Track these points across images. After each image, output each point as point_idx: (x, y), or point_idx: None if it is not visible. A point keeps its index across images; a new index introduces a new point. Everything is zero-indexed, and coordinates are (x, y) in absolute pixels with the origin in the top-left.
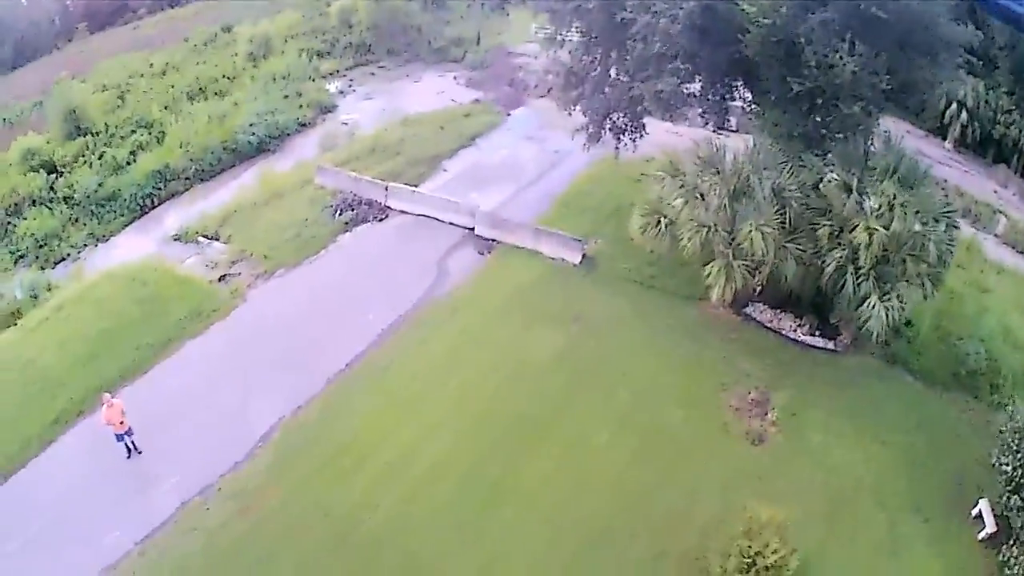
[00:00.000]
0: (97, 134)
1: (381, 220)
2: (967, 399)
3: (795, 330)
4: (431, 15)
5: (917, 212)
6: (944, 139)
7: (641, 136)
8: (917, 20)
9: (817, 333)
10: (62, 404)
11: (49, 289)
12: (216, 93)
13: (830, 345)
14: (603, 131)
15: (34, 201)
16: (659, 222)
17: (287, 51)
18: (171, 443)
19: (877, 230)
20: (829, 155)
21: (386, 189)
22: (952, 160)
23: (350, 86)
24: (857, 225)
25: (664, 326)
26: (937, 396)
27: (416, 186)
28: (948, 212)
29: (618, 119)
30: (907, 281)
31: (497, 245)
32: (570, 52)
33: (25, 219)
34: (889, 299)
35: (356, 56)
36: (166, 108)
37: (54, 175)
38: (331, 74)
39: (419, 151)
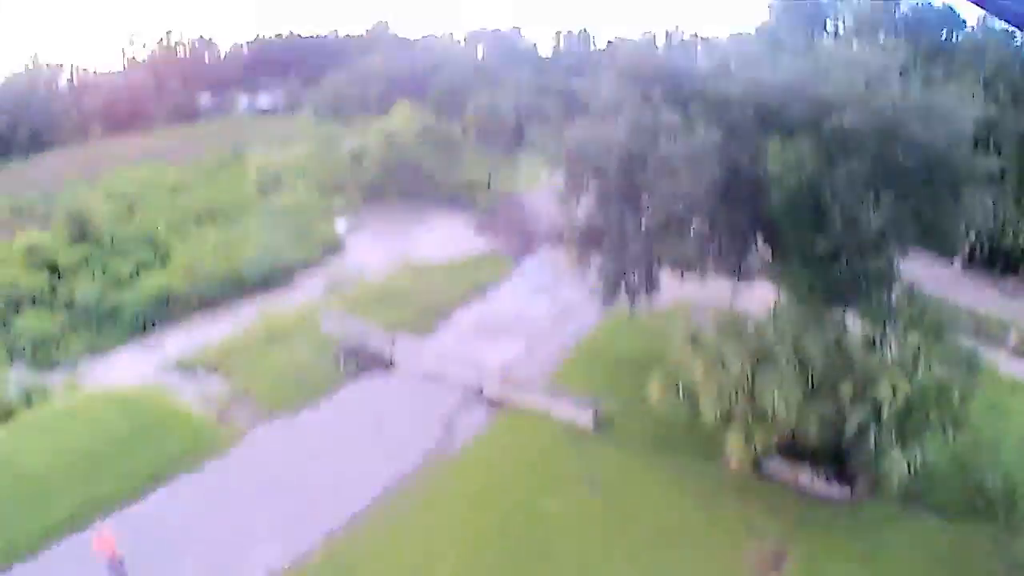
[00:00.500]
0: (102, 243)
1: (387, 372)
2: (985, 526)
3: (812, 481)
4: (443, 158)
5: (942, 362)
6: (952, 255)
7: (656, 292)
8: (942, 159)
9: (834, 482)
10: (55, 516)
11: (44, 394)
12: (224, 221)
13: (847, 493)
14: (618, 291)
15: (34, 299)
16: (678, 389)
17: (297, 185)
18: None
19: (901, 385)
20: (850, 307)
21: (393, 341)
22: (961, 279)
23: (358, 227)
24: (881, 380)
25: (679, 487)
26: (955, 528)
27: (424, 338)
28: (972, 357)
29: (633, 279)
30: (929, 430)
31: (507, 404)
32: (586, 211)
33: (24, 317)
34: (910, 450)
35: (366, 196)
36: (172, 229)
37: (56, 275)
38: (340, 213)
39: (428, 301)
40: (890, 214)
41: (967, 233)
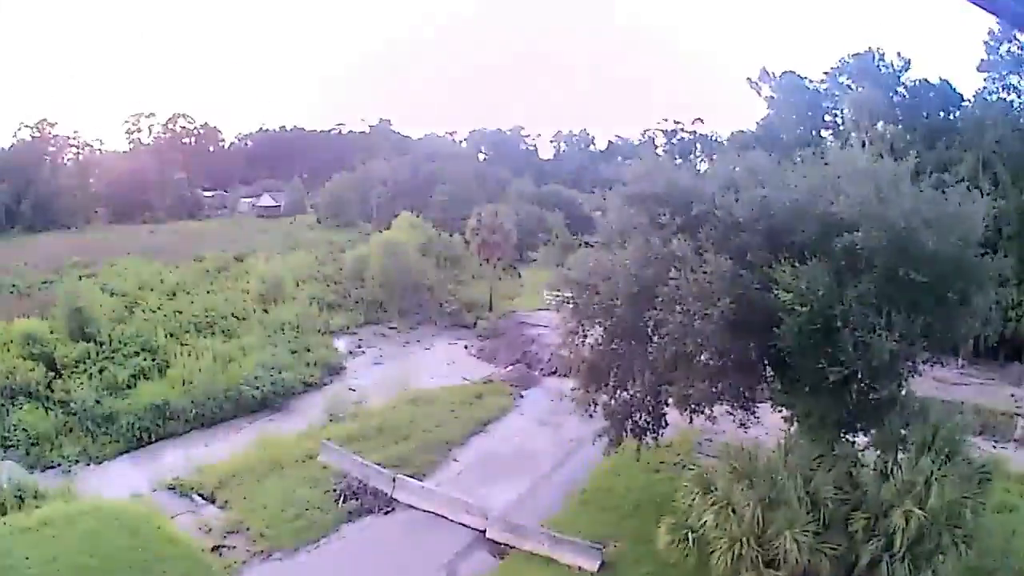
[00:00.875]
0: (101, 344)
1: (387, 513)
2: None
3: None
4: (444, 273)
5: (954, 482)
6: (956, 354)
7: (662, 432)
8: (953, 267)
9: None
10: None
11: (36, 496)
12: (224, 332)
13: None
14: (625, 433)
15: (30, 393)
16: (687, 537)
17: (298, 296)
18: None
19: (914, 512)
20: (860, 437)
21: (393, 480)
22: (965, 375)
23: (359, 346)
24: (893, 511)
25: None
26: None
27: (424, 476)
28: (984, 473)
29: (640, 419)
30: (942, 553)
31: (510, 550)
32: (592, 347)
33: (20, 408)
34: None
35: (367, 312)
36: (171, 336)
37: (53, 371)
38: (341, 330)
39: (429, 436)
40: (901, 333)
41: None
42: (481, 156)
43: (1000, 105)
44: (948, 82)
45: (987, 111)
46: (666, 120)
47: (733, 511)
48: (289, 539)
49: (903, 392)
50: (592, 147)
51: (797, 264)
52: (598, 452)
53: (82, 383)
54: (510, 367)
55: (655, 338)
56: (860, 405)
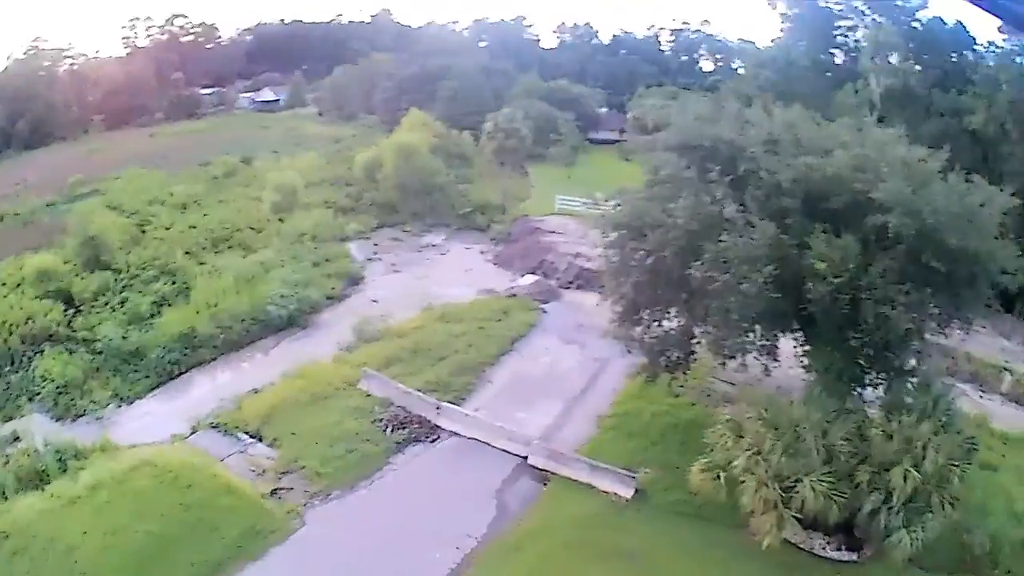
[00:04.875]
0: (118, 272)
1: (433, 441)
2: None
3: (824, 548)
4: (454, 173)
5: (947, 451)
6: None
7: (689, 367)
8: (971, 259)
9: (843, 548)
10: None
11: (76, 456)
12: (241, 246)
13: (855, 557)
14: (659, 367)
15: (51, 336)
16: (718, 476)
17: (311, 201)
18: None
19: (911, 472)
20: (869, 391)
21: (437, 408)
22: None
23: (375, 253)
24: (894, 469)
25: (710, 556)
26: None
27: (463, 400)
28: (972, 443)
29: (673, 355)
30: (931, 511)
31: (551, 476)
32: (632, 286)
33: (42, 353)
34: (915, 530)
35: (380, 215)
36: (189, 255)
37: (72, 307)
38: (357, 235)
39: (463, 357)
40: (916, 312)
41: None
42: (483, 45)
43: (1017, 67)
44: (963, 24)
45: (1004, 71)
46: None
47: (760, 456)
48: (346, 476)
49: (913, 364)
50: (596, 40)
51: (831, 234)
52: (622, 374)
53: (104, 318)
54: (527, 275)
55: (698, 288)
56: (874, 367)
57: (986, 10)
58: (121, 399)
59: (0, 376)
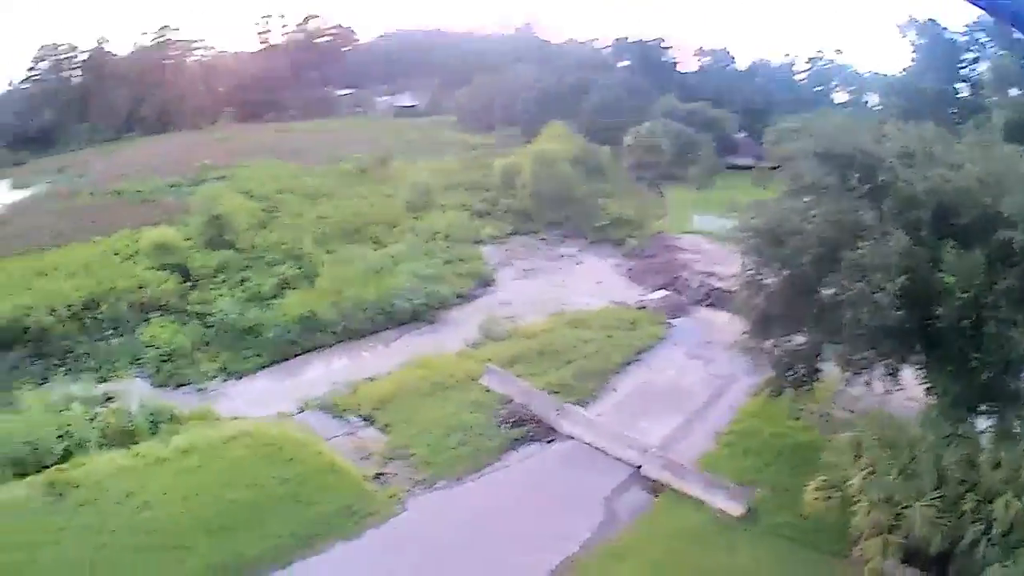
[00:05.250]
0: (241, 252)
1: (549, 442)
2: None
3: None
4: (592, 186)
5: None
6: None
7: (813, 386)
8: None
9: None
10: (180, 572)
11: (171, 419)
12: (372, 239)
13: None
14: (785, 382)
15: (162, 305)
16: (830, 498)
17: (446, 203)
18: None
19: (1012, 502)
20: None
21: (558, 410)
22: None
23: (508, 257)
24: (998, 497)
25: None
26: None
27: (586, 405)
28: None
29: (800, 371)
30: None
31: (663, 486)
32: (766, 296)
33: (150, 322)
34: (1009, 567)
35: (516, 222)
36: (317, 243)
37: (188, 282)
38: (491, 239)
39: (588, 363)
40: None
41: None
42: (622, 65)
43: None
44: None
45: None
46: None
47: (874, 476)
48: (454, 467)
49: None
50: (732, 66)
51: (960, 248)
52: (744, 392)
53: (221, 294)
54: (659, 291)
55: (830, 301)
56: (990, 393)
57: (985, 10)
58: (229, 373)
59: (102, 339)
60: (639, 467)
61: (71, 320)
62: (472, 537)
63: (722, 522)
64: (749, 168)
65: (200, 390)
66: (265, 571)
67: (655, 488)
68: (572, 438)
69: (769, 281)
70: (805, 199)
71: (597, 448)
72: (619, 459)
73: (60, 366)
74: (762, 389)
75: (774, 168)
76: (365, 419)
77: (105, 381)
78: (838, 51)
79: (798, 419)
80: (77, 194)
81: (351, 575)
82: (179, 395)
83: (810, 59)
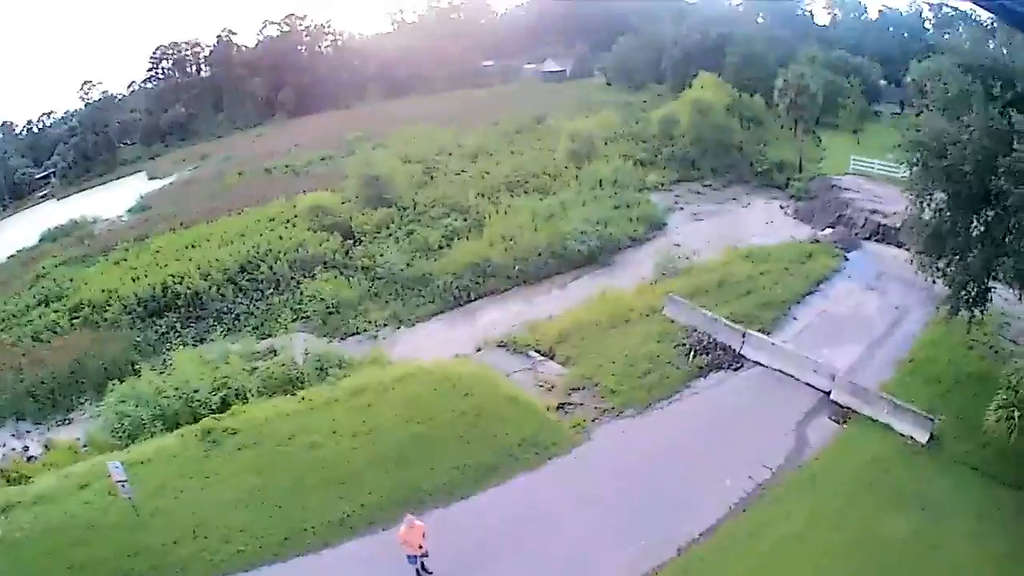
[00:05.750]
0: (404, 209)
1: (736, 369)
2: None
3: None
4: (748, 134)
5: None
6: None
7: (985, 309)
8: None
9: None
10: (351, 506)
11: (340, 365)
12: (537, 190)
13: None
14: (960, 302)
15: (325, 263)
16: (1011, 416)
17: (609, 155)
18: None
19: None
20: None
21: (743, 336)
22: None
23: (676, 203)
24: None
25: (991, 520)
26: None
27: (769, 333)
28: None
29: (972, 290)
30: None
31: (851, 414)
32: (934, 212)
33: (314, 278)
34: None
35: (679, 170)
36: (482, 196)
37: (350, 241)
38: (657, 187)
39: (768, 294)
40: None
41: None
42: (760, 20)
43: None
44: None
45: None
46: None
47: None
48: (640, 397)
49: None
50: (865, 15)
51: None
52: (920, 322)
53: (387, 247)
54: (827, 229)
55: (996, 209)
56: None
57: (985, 9)
58: (400, 321)
59: (262, 300)
60: (827, 393)
61: (227, 284)
62: (661, 465)
63: (910, 449)
64: (895, 115)
65: (372, 338)
66: (444, 503)
67: (844, 415)
68: (759, 365)
69: (936, 196)
70: (955, 112)
71: (785, 374)
72: (808, 385)
73: (217, 327)
74: (938, 307)
75: (919, 115)
76: (545, 354)
77: (267, 338)
78: None
79: (971, 348)
80: (224, 175)
81: (535, 505)
82: (349, 344)
83: (932, 6)
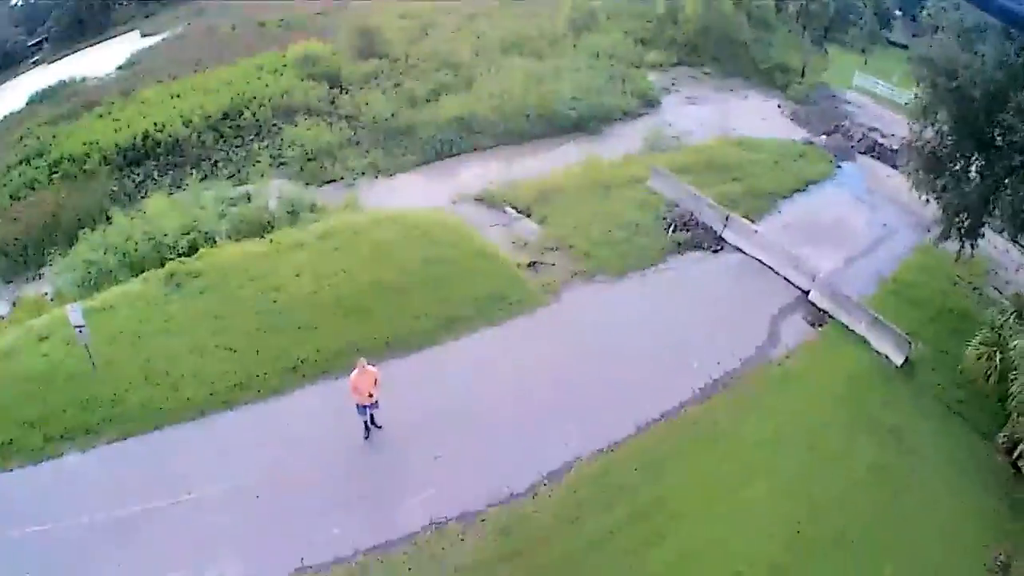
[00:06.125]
0: (395, 61)
1: (715, 252)
2: None
3: None
4: (757, 32)
5: None
6: None
7: (976, 244)
8: None
9: None
10: (306, 352)
11: (312, 210)
12: (533, 53)
13: None
14: (952, 229)
15: (308, 110)
16: (991, 356)
17: (610, 29)
18: (433, 445)
19: None
20: None
21: (726, 219)
22: None
23: (673, 84)
24: None
25: (958, 462)
26: None
27: (753, 222)
28: None
29: (966, 221)
30: None
31: (827, 319)
32: (937, 132)
33: (296, 125)
34: None
35: (680, 54)
36: (476, 55)
37: (337, 90)
38: (655, 66)
39: (756, 182)
40: None
41: None
42: None
43: None
44: None
45: None
46: None
47: None
48: (614, 263)
49: None
50: None
51: None
52: (908, 245)
53: (374, 98)
54: (823, 136)
55: (1000, 144)
56: None
57: (986, 10)
58: (379, 171)
59: (241, 146)
60: (806, 292)
61: (208, 130)
62: (628, 336)
63: (884, 369)
64: (905, 48)
65: (349, 186)
66: (401, 354)
67: (819, 318)
68: (739, 251)
69: (941, 116)
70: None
71: (765, 265)
72: (787, 281)
73: (194, 173)
74: (928, 231)
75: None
76: (522, 211)
77: (243, 185)
78: None
79: (956, 285)
80: (217, 29)
81: (488, 363)
82: (325, 191)
83: None
